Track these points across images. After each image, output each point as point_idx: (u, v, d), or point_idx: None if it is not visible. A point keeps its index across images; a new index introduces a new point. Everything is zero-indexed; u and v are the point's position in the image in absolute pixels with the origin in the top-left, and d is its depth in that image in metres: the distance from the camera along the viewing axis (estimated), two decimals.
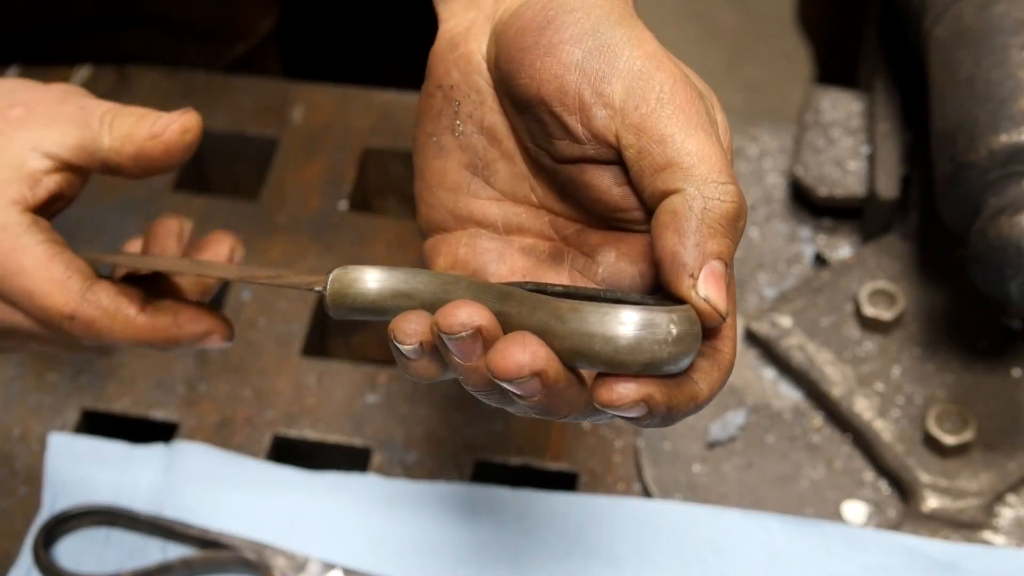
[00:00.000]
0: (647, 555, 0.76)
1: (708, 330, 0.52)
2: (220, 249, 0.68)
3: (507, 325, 0.52)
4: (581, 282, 0.58)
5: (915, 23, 0.83)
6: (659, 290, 0.54)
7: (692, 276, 0.51)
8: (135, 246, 0.70)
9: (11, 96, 0.65)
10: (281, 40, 1.12)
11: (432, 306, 0.54)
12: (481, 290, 0.54)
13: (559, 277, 0.58)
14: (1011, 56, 0.74)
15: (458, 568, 0.76)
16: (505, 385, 0.50)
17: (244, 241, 0.92)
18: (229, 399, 0.84)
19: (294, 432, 0.82)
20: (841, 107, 0.92)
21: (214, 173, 0.99)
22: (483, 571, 0.76)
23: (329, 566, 0.75)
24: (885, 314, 0.83)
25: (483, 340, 0.51)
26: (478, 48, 0.59)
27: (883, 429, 0.80)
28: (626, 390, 0.50)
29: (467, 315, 0.51)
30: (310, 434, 0.82)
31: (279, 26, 1.10)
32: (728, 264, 0.52)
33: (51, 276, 0.62)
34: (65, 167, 0.64)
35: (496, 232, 0.60)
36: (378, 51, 1.17)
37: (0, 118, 0.64)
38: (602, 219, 0.57)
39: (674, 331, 0.50)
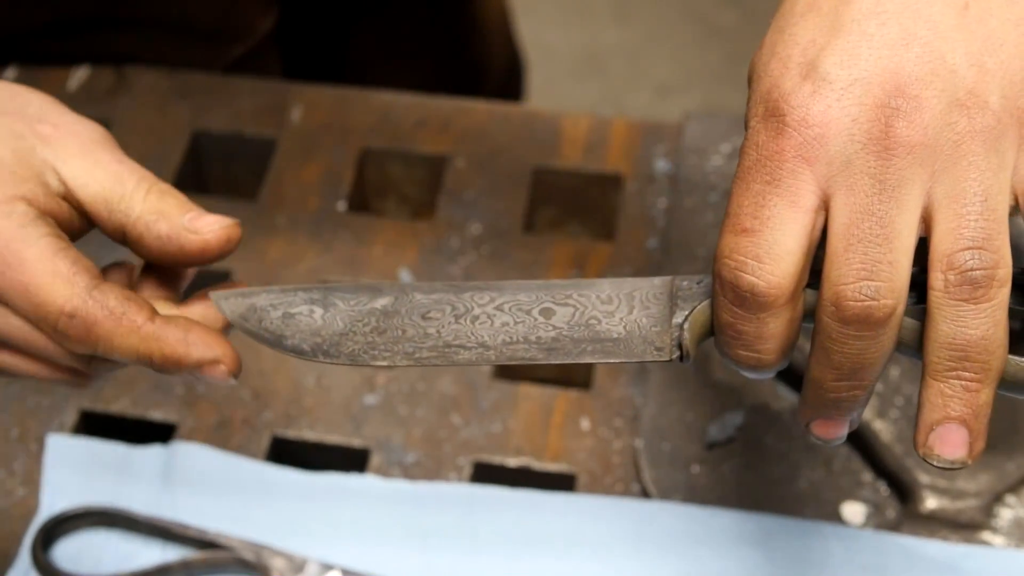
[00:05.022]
0: (646, 556, 0.76)
1: None
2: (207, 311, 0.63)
3: None
4: None
5: None
6: None
7: None
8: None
9: (40, 111, 0.62)
10: (280, 41, 1.12)
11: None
12: None
13: None
14: None
15: (457, 569, 0.76)
16: None
17: (242, 242, 0.92)
18: (227, 400, 0.83)
19: (292, 433, 0.82)
20: None
21: (213, 173, 0.99)
22: (482, 572, 0.76)
23: (327, 567, 0.75)
24: None
25: None
26: None
27: (882, 430, 0.80)
28: None
29: None
30: (308, 435, 0.82)
31: (278, 27, 1.10)
32: None
33: (55, 269, 0.58)
34: (75, 204, 0.61)
35: None
36: (377, 52, 1.17)
37: (29, 128, 0.61)
38: None
39: None
